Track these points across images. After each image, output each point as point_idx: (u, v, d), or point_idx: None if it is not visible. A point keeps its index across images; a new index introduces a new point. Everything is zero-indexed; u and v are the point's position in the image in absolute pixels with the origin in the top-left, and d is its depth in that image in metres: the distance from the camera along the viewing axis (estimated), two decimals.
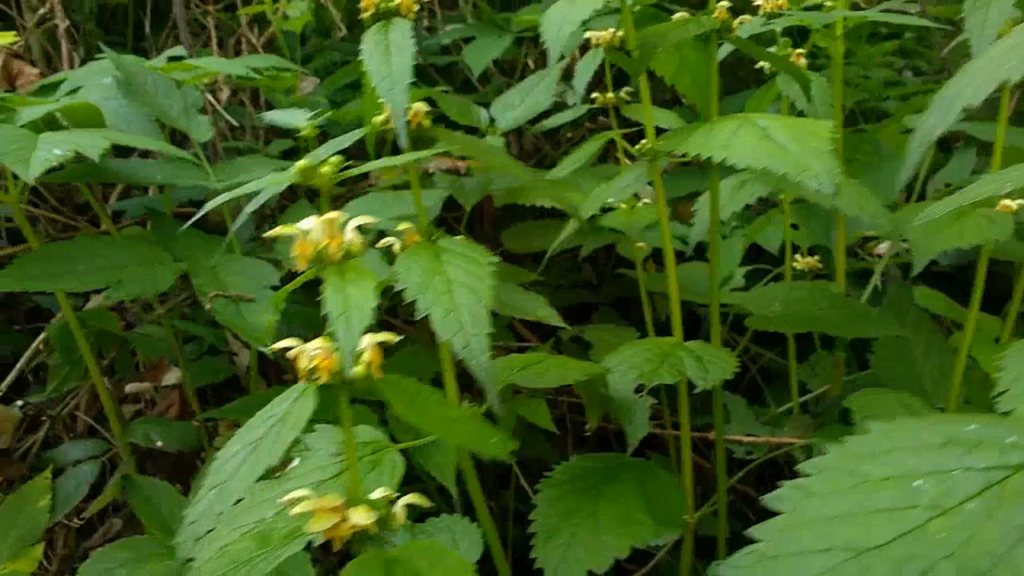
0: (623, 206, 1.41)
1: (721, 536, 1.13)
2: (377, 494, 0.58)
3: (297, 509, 0.53)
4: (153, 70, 1.28)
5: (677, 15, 0.95)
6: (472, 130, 1.52)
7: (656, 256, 1.58)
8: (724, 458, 1.10)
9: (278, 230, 0.53)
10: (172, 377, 1.25)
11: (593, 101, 1.39)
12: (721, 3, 0.92)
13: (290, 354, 0.56)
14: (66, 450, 1.22)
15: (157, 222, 1.18)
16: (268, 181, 0.58)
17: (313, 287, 0.59)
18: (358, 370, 0.54)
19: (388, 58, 0.68)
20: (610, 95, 1.38)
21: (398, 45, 0.68)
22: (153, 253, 1.11)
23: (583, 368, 0.92)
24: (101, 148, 0.99)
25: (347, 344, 0.46)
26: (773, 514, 0.51)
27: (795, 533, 0.53)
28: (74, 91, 1.28)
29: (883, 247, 1.68)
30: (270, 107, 1.83)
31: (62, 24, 1.67)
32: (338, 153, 0.62)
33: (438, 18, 2.24)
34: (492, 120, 1.52)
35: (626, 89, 1.39)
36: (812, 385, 1.50)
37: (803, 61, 1.17)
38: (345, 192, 1.81)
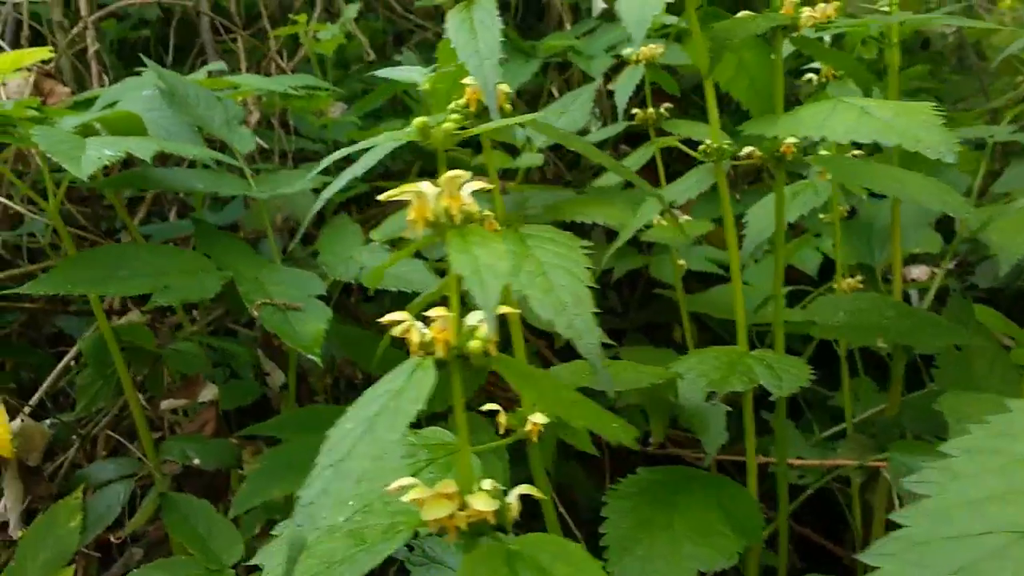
0: (663, 222, 1.38)
1: (782, 562, 1.07)
2: (487, 484, 0.52)
3: (410, 496, 0.48)
4: (194, 83, 1.25)
5: (741, 13, 0.93)
6: (509, 147, 1.49)
7: (688, 278, 1.53)
8: (786, 480, 1.04)
9: (392, 192, 0.49)
10: (208, 394, 1.19)
11: (632, 117, 1.37)
12: None
13: (399, 329, 0.51)
14: (97, 469, 1.15)
15: (200, 231, 1.14)
16: (383, 139, 0.54)
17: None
18: (474, 345, 0.50)
19: (474, 36, 0.64)
20: (650, 111, 1.36)
21: (483, 23, 0.65)
22: (197, 261, 1.06)
23: (656, 373, 0.88)
24: (152, 150, 0.96)
25: (487, 303, 0.42)
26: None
27: (947, 516, 0.49)
28: (111, 105, 1.25)
29: (917, 271, 1.65)
30: (298, 132, 1.80)
31: (92, 46, 1.65)
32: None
33: None
34: (528, 138, 1.50)
35: (665, 105, 1.37)
36: (854, 411, 1.45)
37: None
38: (376, 213, 1.78)
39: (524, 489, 0.53)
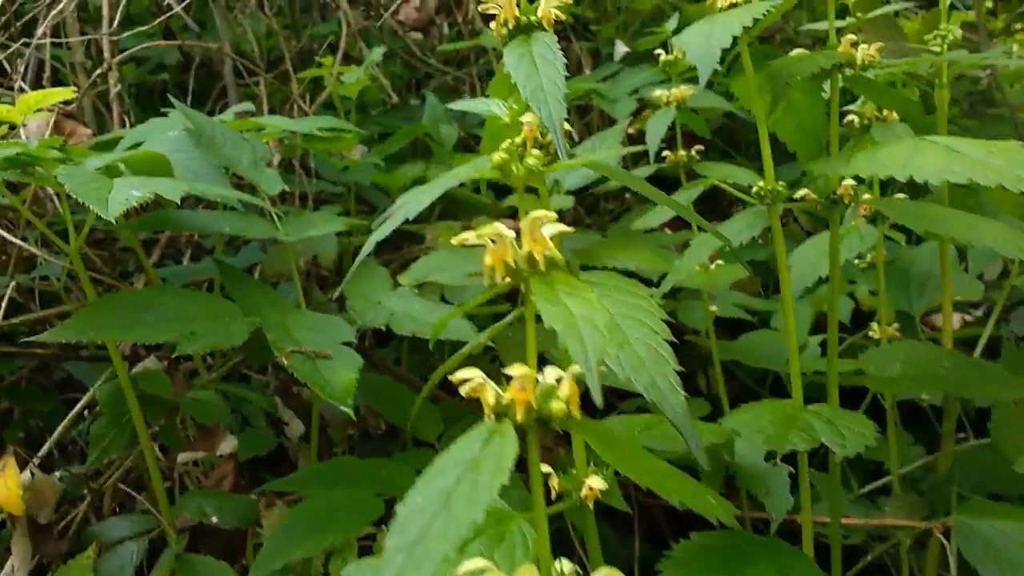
0: (697, 267, 1.32)
1: None
2: (567, 568, 0.46)
3: None
4: (221, 124, 1.21)
5: (795, 51, 0.89)
6: (535, 190, 1.45)
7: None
8: (840, 544, 0.97)
9: (467, 235, 0.44)
10: (228, 446, 1.12)
11: (663, 159, 1.33)
12: (847, 37, 0.86)
13: (469, 387, 0.45)
14: (109, 526, 1.08)
15: (226, 275, 1.09)
16: (457, 174, 0.49)
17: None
18: (557, 408, 0.44)
19: (536, 71, 0.60)
20: (681, 153, 1.31)
21: (544, 58, 0.60)
22: (223, 306, 1.01)
23: (712, 430, 0.81)
24: (181, 192, 0.91)
25: (589, 361, 0.36)
26: None
27: None
28: (135, 146, 1.21)
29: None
30: (318, 175, 1.76)
31: (115, 88, 1.62)
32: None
33: (479, 93, 2.22)
34: (556, 181, 1.45)
35: (697, 148, 1.33)
36: (890, 465, 1.38)
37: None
38: (397, 257, 1.73)
39: (607, 572, 0.46)
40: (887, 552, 1.27)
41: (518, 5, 0.62)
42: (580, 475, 0.66)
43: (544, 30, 0.65)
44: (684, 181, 1.33)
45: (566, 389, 0.44)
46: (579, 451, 0.65)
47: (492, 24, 0.67)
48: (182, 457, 1.11)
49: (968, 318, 1.61)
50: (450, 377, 0.46)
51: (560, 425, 0.44)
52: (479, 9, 0.64)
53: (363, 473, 1.08)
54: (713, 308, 1.35)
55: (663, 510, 1.50)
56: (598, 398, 0.37)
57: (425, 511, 0.40)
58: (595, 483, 0.63)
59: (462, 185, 1.81)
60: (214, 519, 1.04)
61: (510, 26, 0.64)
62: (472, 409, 1.39)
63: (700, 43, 0.67)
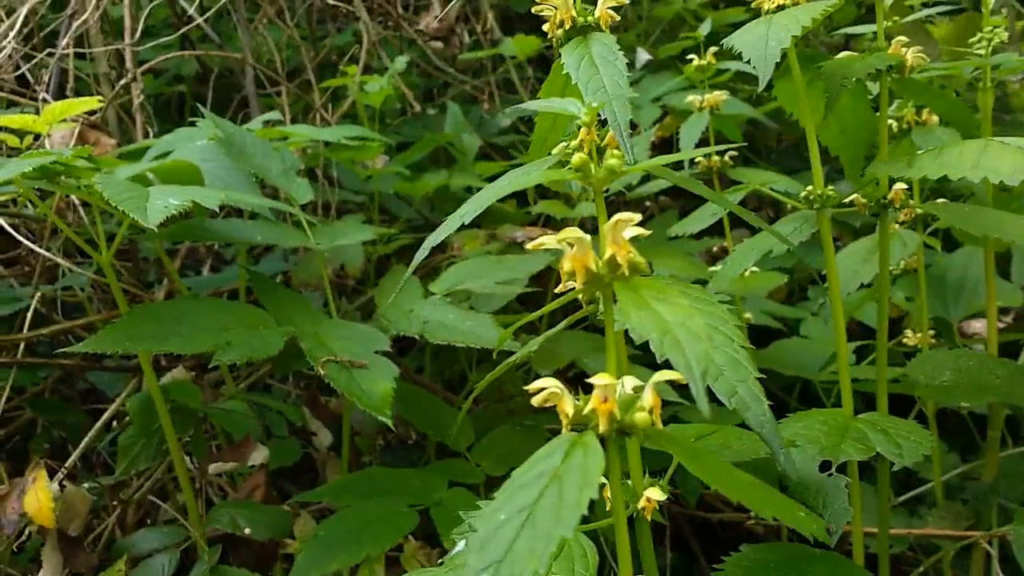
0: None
1: None
2: None
3: None
4: (250, 133, 1.20)
5: (843, 54, 0.87)
6: (564, 196, 1.44)
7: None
8: (887, 555, 0.95)
9: (545, 239, 0.42)
10: (259, 456, 1.10)
11: (695, 165, 1.31)
12: (898, 39, 0.84)
13: (544, 396, 0.43)
14: (140, 539, 1.06)
15: (257, 284, 1.07)
16: (533, 175, 0.47)
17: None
18: (640, 418, 0.42)
19: (597, 72, 0.58)
20: (715, 158, 1.30)
21: (605, 58, 0.59)
22: (257, 316, 0.99)
23: (760, 441, 0.79)
24: (218, 200, 0.89)
25: (693, 371, 0.34)
26: None
27: None
28: (163, 155, 1.20)
29: (978, 324, 1.56)
30: (340, 184, 1.75)
31: (138, 98, 1.61)
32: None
33: (496, 102, 2.21)
34: (584, 187, 1.44)
35: (730, 153, 1.31)
36: (925, 473, 1.35)
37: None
38: (420, 265, 1.71)
39: None
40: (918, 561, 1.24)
41: (574, 5, 0.61)
42: (637, 486, 0.64)
43: (601, 31, 0.63)
44: (717, 187, 1.31)
45: (649, 399, 0.42)
46: (635, 461, 0.63)
47: (545, 26, 0.65)
48: (213, 468, 1.09)
49: (999, 325, 1.58)
50: (526, 388, 0.44)
51: (641, 437, 0.42)
52: (534, 10, 0.62)
53: (395, 484, 1.06)
54: (748, 315, 1.32)
55: (688, 519, 1.47)
56: (704, 408, 0.34)
57: (508, 527, 0.38)
58: (654, 495, 0.61)
59: None
60: (247, 530, 1.02)
61: (566, 27, 0.63)
62: (501, 418, 1.36)
63: (757, 44, 0.65)
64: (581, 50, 0.61)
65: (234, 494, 1.15)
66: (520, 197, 1.82)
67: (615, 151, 0.45)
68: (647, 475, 0.65)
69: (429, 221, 1.83)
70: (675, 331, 0.36)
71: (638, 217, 0.40)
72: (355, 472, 1.13)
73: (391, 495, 1.05)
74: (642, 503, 0.63)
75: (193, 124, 1.28)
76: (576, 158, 0.44)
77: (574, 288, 0.43)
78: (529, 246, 0.42)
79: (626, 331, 0.54)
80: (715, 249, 1.67)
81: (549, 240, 0.41)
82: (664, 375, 0.42)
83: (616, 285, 0.40)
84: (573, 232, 0.41)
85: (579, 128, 0.57)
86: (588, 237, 0.41)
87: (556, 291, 0.45)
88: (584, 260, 0.41)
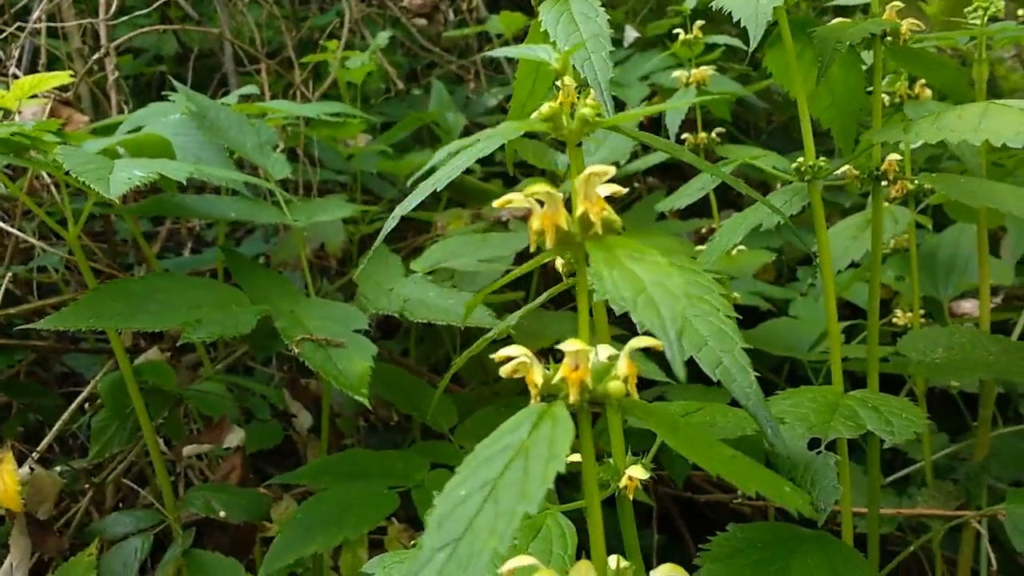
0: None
1: None
2: (623, 565, 0.41)
3: None
4: (225, 107, 1.16)
5: (836, 20, 0.84)
6: (550, 175, 1.40)
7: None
8: (877, 536, 0.93)
9: (512, 196, 0.39)
10: (235, 438, 1.07)
11: (683, 141, 1.28)
12: (892, 3, 0.81)
13: (513, 366, 0.40)
14: (112, 522, 1.03)
15: (232, 261, 1.04)
16: (501, 132, 0.44)
17: None
18: (614, 387, 0.39)
19: (575, 28, 0.55)
20: (702, 135, 1.27)
21: (585, 15, 0.55)
22: (231, 293, 0.96)
23: (747, 418, 0.76)
24: (186, 172, 0.86)
25: (669, 333, 0.31)
26: None
27: None
28: (135, 131, 1.16)
29: (968, 304, 1.54)
30: (323, 164, 1.71)
31: (112, 74, 1.56)
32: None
33: (483, 81, 2.17)
34: (569, 166, 1.40)
35: (717, 130, 1.28)
36: (914, 453, 1.34)
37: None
38: (404, 245, 1.68)
39: (669, 570, 0.42)
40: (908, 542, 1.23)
41: None
42: (618, 464, 0.61)
43: None
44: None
45: (624, 367, 0.39)
46: (617, 438, 0.60)
47: None
48: (187, 450, 1.06)
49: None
50: (492, 356, 0.41)
51: (618, 407, 0.39)
52: None
53: (376, 465, 1.04)
54: (736, 295, 1.30)
55: (674, 500, 1.46)
56: (681, 372, 0.32)
57: (469, 503, 0.35)
58: (636, 472, 0.58)
59: (469, 172, 1.76)
60: (222, 514, 0.99)
61: None
62: (486, 400, 1.33)
63: (748, 2, 0.62)
64: (560, 7, 0.57)
65: (212, 477, 1.12)
66: (506, 178, 1.79)
67: (589, 101, 0.42)
68: (631, 454, 0.63)
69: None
70: (650, 290, 0.33)
71: (612, 170, 0.37)
72: (335, 454, 1.10)
73: (372, 477, 1.03)
74: (624, 481, 0.60)
75: (166, 99, 1.24)
76: (547, 107, 0.41)
77: (544, 252, 0.40)
78: (496, 203, 0.39)
79: (608, 305, 0.52)
80: (703, 230, 1.64)
81: (517, 197, 0.38)
82: (640, 341, 0.39)
83: (588, 244, 0.37)
84: (542, 186, 0.38)
85: (559, 91, 0.54)
86: (560, 193, 0.38)
87: (531, 256, 0.42)
88: (555, 218, 0.38)
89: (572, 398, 0.38)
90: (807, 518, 0.60)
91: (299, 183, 1.63)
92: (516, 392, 1.26)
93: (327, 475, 1.04)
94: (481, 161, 1.81)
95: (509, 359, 0.41)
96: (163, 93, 1.25)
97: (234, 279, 1.01)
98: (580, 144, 0.43)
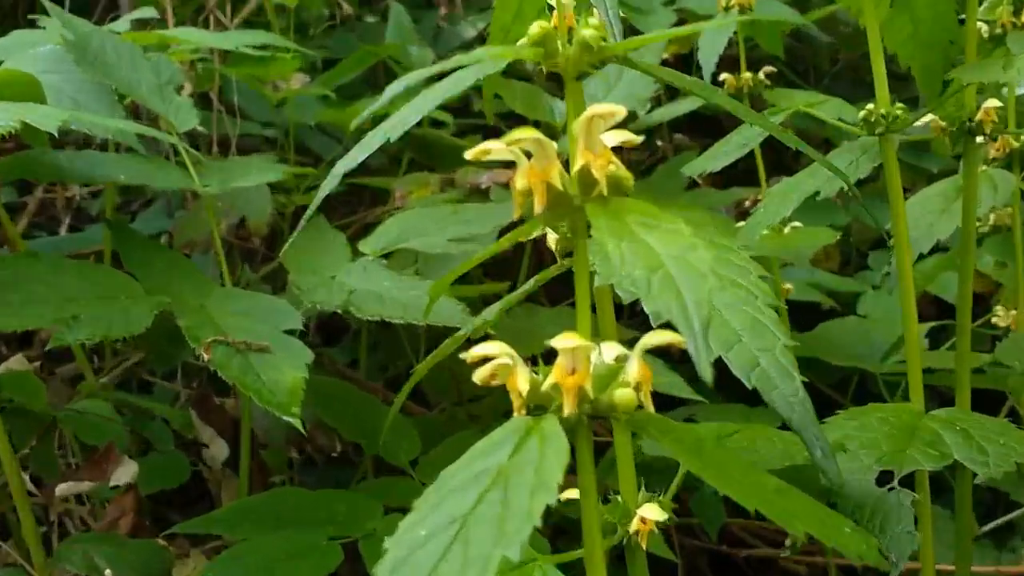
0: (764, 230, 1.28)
1: None
2: None
3: None
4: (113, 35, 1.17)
5: None
6: (545, 128, 1.41)
7: None
8: None
9: (490, 144, 0.39)
10: (126, 474, 1.08)
11: (722, 84, 1.28)
12: None
13: (491, 368, 0.40)
14: None
15: (121, 239, 1.04)
16: (477, 58, 0.43)
17: None
18: (623, 397, 0.39)
19: None
20: (746, 75, 1.27)
21: None
22: (119, 283, 0.97)
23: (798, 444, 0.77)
24: (58, 120, 0.86)
25: (690, 321, 0.31)
26: None
27: None
28: None
29: None
30: (244, 114, 1.71)
31: None
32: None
33: (457, 4, 2.17)
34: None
35: (766, 70, 1.29)
36: (1017, 495, 1.35)
37: None
38: (355, 220, 1.68)
39: None
40: None
41: None
42: (628, 501, 0.62)
43: None
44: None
45: (635, 371, 0.40)
46: (626, 465, 0.61)
47: None
48: (62, 490, 1.07)
49: None
50: (463, 356, 0.41)
51: (627, 423, 0.39)
52: None
53: (313, 509, 1.05)
54: (788, 286, 1.31)
55: (705, 554, 1.47)
56: (707, 374, 0.32)
57: (430, 547, 0.36)
58: (650, 513, 0.59)
59: (440, 126, 1.76)
60: (107, 572, 1.00)
61: None
62: (460, 425, 1.35)
63: None
64: None
65: (96, 525, 1.13)
66: (488, 131, 1.79)
67: (591, 21, 0.41)
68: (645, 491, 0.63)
69: (364, 164, 1.80)
70: (668, 266, 0.33)
71: (622, 111, 0.37)
72: (258, 494, 1.10)
73: (306, 525, 1.04)
74: (635, 525, 0.60)
75: (35, 25, 1.24)
76: (536, 27, 0.40)
77: (532, 221, 0.40)
78: (468, 154, 0.39)
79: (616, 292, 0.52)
80: (747, 203, 1.65)
81: (497, 146, 0.38)
82: (657, 336, 0.39)
83: (590, 208, 0.37)
84: (530, 132, 0.38)
85: (551, 10, 0.54)
86: (552, 142, 0.38)
87: (515, 223, 0.42)
88: (546, 174, 0.38)
89: (567, 410, 0.38)
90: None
91: (212, 138, 1.64)
92: (500, 414, 1.27)
93: (247, 522, 1.05)
94: (455, 112, 1.82)
95: (486, 360, 0.41)
96: (31, 17, 1.25)
97: (125, 264, 1.01)
98: (581, 78, 0.43)
